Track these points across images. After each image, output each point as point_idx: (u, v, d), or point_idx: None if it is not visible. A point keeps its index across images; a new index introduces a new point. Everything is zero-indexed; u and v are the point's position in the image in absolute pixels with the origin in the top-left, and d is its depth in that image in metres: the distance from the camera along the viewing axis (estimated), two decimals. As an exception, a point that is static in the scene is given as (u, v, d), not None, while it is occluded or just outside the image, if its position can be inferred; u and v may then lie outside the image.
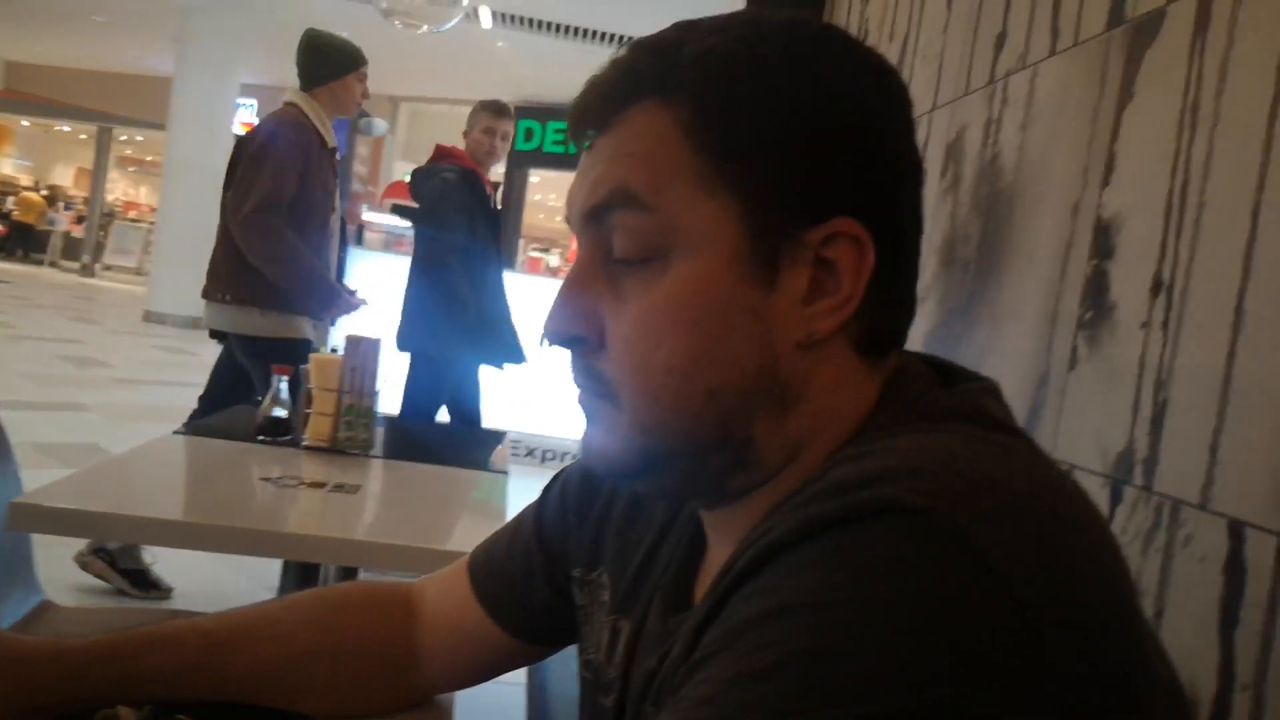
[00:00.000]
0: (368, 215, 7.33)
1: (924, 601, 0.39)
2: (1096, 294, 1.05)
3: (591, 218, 0.54)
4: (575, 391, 0.57)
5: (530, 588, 0.75)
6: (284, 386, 1.88)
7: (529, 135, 13.10)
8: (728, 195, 0.51)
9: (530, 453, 5.47)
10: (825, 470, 0.47)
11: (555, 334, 0.55)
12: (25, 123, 21.66)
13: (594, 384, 0.55)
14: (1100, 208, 1.06)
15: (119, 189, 23.77)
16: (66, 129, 21.64)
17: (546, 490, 0.78)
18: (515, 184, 13.46)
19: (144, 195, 24.38)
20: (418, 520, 1.61)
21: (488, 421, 3.75)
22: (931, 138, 1.61)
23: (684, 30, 0.54)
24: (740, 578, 0.44)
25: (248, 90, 12.76)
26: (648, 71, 0.53)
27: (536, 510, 0.77)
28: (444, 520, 1.66)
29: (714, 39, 0.52)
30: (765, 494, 0.54)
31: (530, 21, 9.76)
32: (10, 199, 20.18)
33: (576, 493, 0.74)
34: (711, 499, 0.57)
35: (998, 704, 0.38)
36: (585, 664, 0.70)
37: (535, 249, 16.87)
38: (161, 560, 3.18)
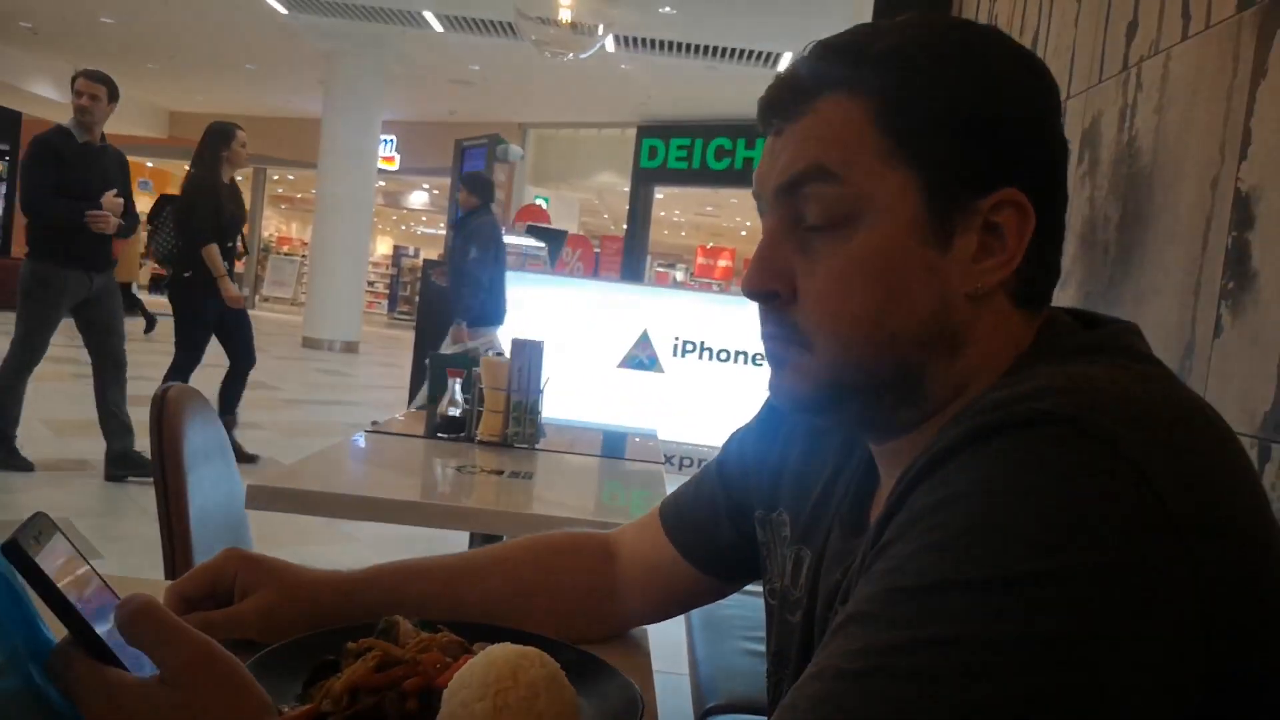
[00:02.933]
0: (506, 238, 7.67)
1: (1075, 487, 0.47)
2: (1238, 264, 1.09)
3: (786, 190, 0.64)
4: (766, 339, 0.68)
5: (716, 529, 0.87)
6: (458, 387, 2.07)
7: (653, 153, 13.33)
8: (909, 170, 0.60)
9: (668, 460, 5.60)
10: (984, 395, 0.56)
11: (753, 290, 0.65)
12: (187, 167, 23.37)
13: (786, 332, 0.65)
14: (1239, 181, 1.10)
15: (272, 225, 25.35)
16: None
17: (727, 444, 0.89)
18: (640, 201, 13.71)
19: (295, 230, 25.94)
20: (587, 499, 1.75)
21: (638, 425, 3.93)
22: (1066, 127, 1.66)
23: (867, 32, 0.64)
24: (915, 480, 0.54)
25: (388, 126, 13.46)
26: (835, 68, 0.63)
27: (719, 462, 0.89)
28: (607, 498, 1.80)
29: (895, 38, 0.63)
30: (930, 427, 0.64)
31: (651, 43, 9.98)
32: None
33: (754, 445, 0.85)
34: (883, 432, 0.67)
35: (1135, 577, 0.46)
36: (771, 592, 0.81)
37: (661, 265, 17.06)
38: (329, 553, 3.45)
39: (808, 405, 0.66)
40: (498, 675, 0.65)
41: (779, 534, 0.80)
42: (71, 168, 4.42)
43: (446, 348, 5.43)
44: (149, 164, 22.35)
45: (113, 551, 3.57)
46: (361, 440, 2.01)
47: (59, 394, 6.62)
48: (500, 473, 1.78)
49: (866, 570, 0.54)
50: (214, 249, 4.85)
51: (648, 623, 0.95)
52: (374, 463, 1.91)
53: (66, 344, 5.96)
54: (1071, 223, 1.55)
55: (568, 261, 8.17)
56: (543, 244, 7.47)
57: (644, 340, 6.17)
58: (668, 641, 2.34)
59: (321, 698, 0.69)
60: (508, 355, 2.02)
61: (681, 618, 1.59)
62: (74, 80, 4.45)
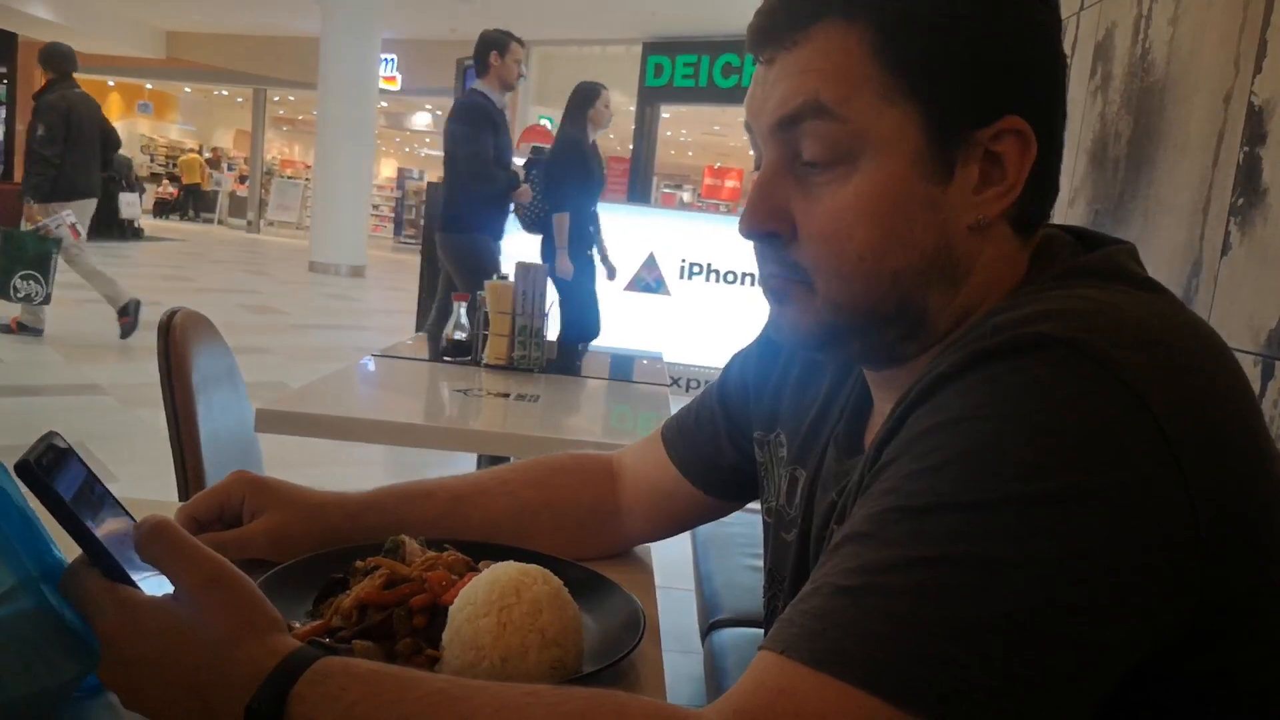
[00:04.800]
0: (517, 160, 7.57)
1: (1071, 410, 0.48)
2: (1249, 180, 1.08)
3: (782, 127, 0.62)
4: (766, 277, 0.67)
5: (717, 450, 0.88)
6: (463, 311, 2.07)
7: (659, 71, 13.06)
8: (909, 104, 0.59)
9: (674, 382, 5.63)
10: (984, 320, 0.56)
11: (751, 230, 0.64)
12: (187, 89, 23.06)
13: (787, 271, 0.64)
14: (1252, 95, 1.08)
15: (275, 148, 25.10)
16: (224, 93, 22.94)
17: (727, 367, 0.90)
18: (646, 121, 13.49)
19: (298, 153, 25.69)
20: (594, 421, 1.77)
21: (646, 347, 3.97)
22: (1080, 39, 1.62)
23: None
24: (914, 404, 0.54)
25: (388, 45, 13.19)
26: None
27: (719, 384, 0.89)
28: (615, 421, 1.82)
29: None
30: (929, 356, 0.64)
31: (658, -46, 9.67)
32: (177, 161, 21.62)
33: (755, 367, 0.86)
34: (885, 363, 0.67)
35: (1129, 499, 0.46)
36: (767, 511, 0.82)
37: (668, 185, 16.87)
38: (339, 474, 3.50)
39: (810, 342, 0.66)
40: (501, 592, 0.66)
41: (776, 454, 0.81)
42: (498, 134, 4.24)
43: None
44: (148, 85, 22.05)
45: (127, 474, 3.63)
46: (369, 364, 2.03)
47: (66, 321, 6.65)
48: (506, 395, 1.79)
49: (864, 491, 0.55)
50: (566, 219, 4.48)
51: (650, 541, 0.97)
52: (381, 386, 1.93)
53: (71, 270, 5.96)
54: (1081, 139, 1.52)
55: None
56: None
57: (650, 263, 6.14)
58: (675, 558, 2.39)
59: (331, 614, 0.71)
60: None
61: (686, 535, 1.62)
62: (510, 44, 4.18)
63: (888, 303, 0.62)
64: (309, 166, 15.24)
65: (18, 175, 16.26)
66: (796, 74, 0.61)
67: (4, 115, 15.98)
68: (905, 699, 0.45)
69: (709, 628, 1.72)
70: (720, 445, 0.88)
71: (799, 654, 0.48)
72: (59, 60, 5.90)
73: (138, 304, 6.17)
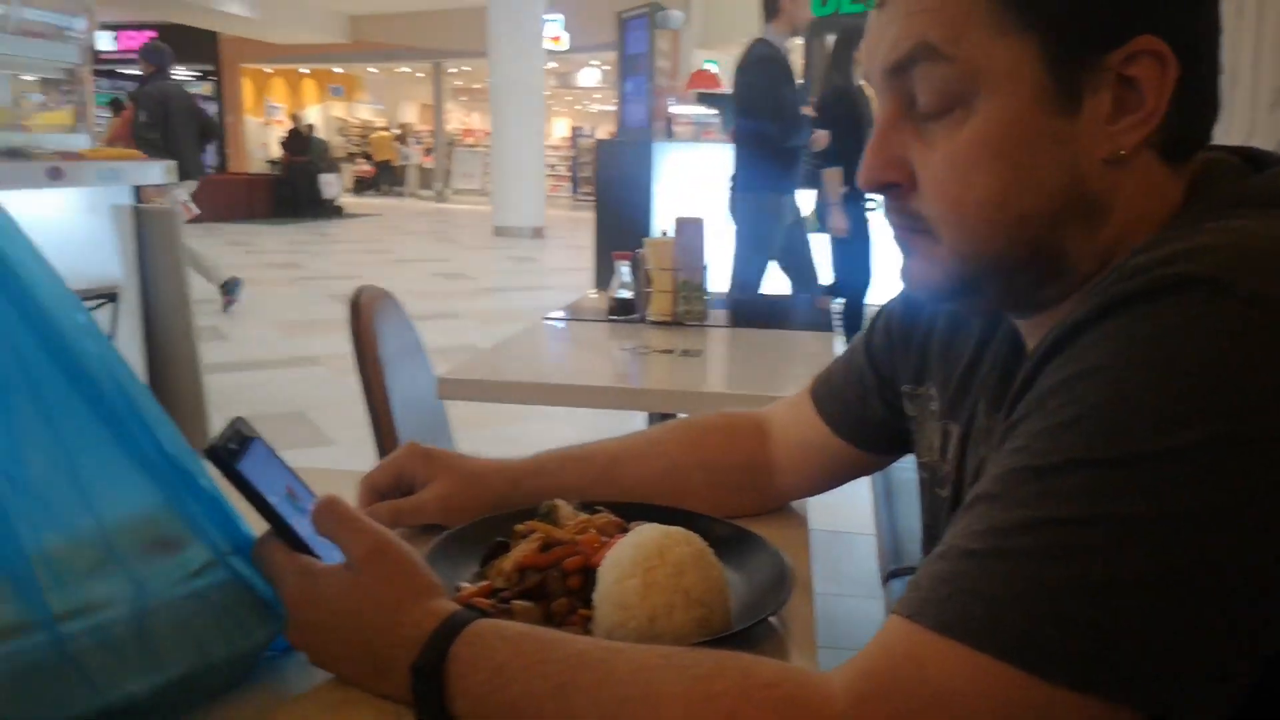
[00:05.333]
0: (674, 109, 7.54)
1: (1214, 355, 0.44)
2: None
3: (893, 73, 0.59)
4: (892, 230, 0.65)
5: (866, 405, 0.86)
6: (625, 270, 2.11)
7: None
8: (1024, 35, 0.55)
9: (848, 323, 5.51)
10: (1125, 260, 0.52)
11: (870, 182, 0.62)
12: (372, 69, 24.32)
13: (910, 221, 0.62)
14: None
15: (455, 119, 26.12)
16: (406, 70, 24.04)
17: (873, 321, 0.87)
18: (814, 52, 13.07)
19: (477, 121, 26.62)
20: (757, 373, 1.77)
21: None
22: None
23: None
24: (1046, 356, 0.51)
25: (554, 5, 13.35)
26: None
27: (865, 338, 0.88)
28: (780, 371, 1.81)
29: None
30: (1074, 300, 0.60)
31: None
32: (369, 140, 22.92)
33: (900, 320, 0.83)
34: (1028, 310, 0.64)
35: (1273, 448, 0.42)
36: (921, 466, 0.80)
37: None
38: (529, 430, 3.66)
39: (940, 294, 0.63)
40: (645, 554, 0.69)
41: (927, 408, 0.79)
42: (790, 83, 4.12)
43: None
44: (337, 69, 23.39)
45: (343, 439, 3.95)
46: (541, 328, 2.10)
47: (281, 298, 7.24)
48: (671, 351, 1.82)
49: (998, 448, 0.53)
50: (838, 174, 4.33)
51: (802, 496, 0.97)
52: (551, 349, 2.01)
53: (288, 249, 6.48)
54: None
55: (745, 125, 7.95)
56: (716, 109, 7.30)
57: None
58: (859, 503, 2.37)
59: (494, 575, 0.76)
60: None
61: (867, 480, 1.60)
62: None
63: (1017, 248, 0.58)
64: (488, 134, 15.77)
65: (230, 167, 17.77)
66: (904, 16, 0.58)
67: (216, 110, 17.40)
68: (1035, 664, 0.44)
69: (888, 575, 1.70)
70: (868, 400, 0.86)
71: (925, 619, 0.47)
72: (157, 56, 6.61)
73: (238, 282, 6.64)
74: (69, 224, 3.15)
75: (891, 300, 0.86)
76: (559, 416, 4.15)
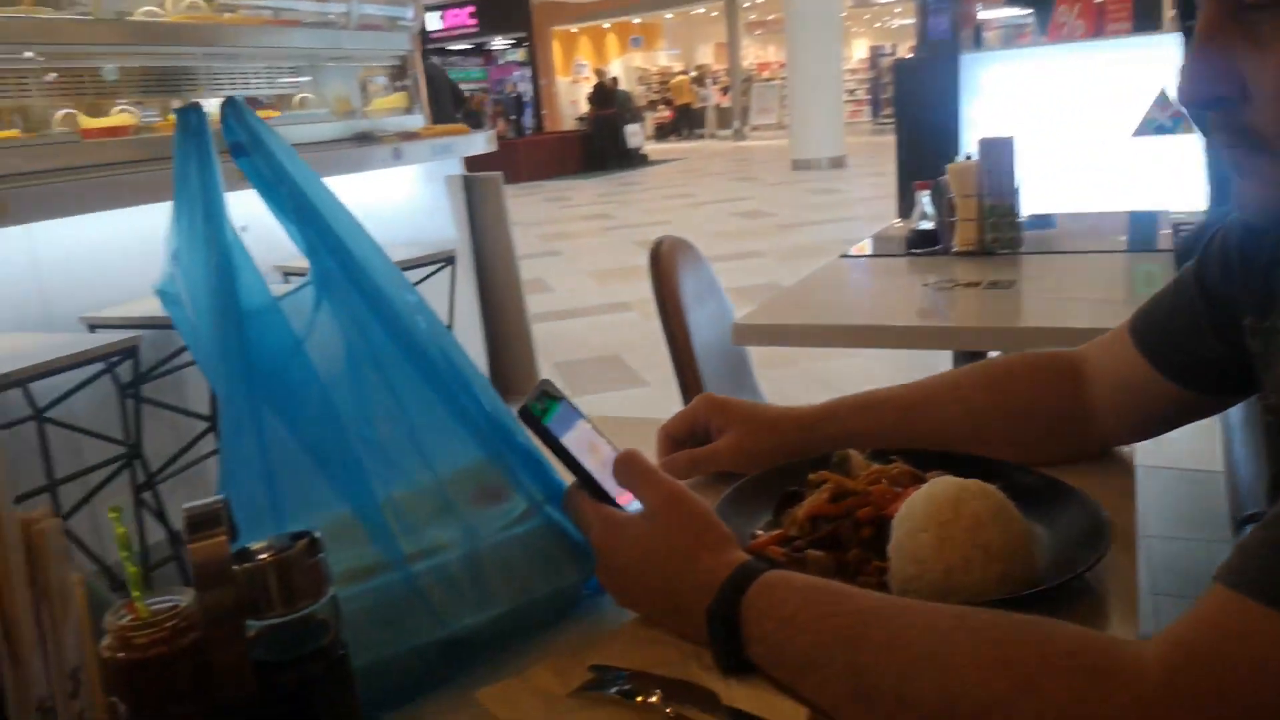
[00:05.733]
0: (982, 14, 6.97)
1: None
2: None
3: None
4: (1219, 149, 0.57)
5: (1197, 340, 0.77)
6: (926, 200, 2.01)
7: None
8: None
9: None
10: None
11: (1193, 96, 0.54)
12: (668, 15, 24.72)
13: (1243, 138, 0.54)
14: None
15: (751, 54, 25.96)
16: (700, 10, 24.19)
17: (1206, 246, 0.77)
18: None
19: (772, 54, 26.30)
20: (1075, 305, 1.63)
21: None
22: None
23: None
24: None
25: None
26: None
27: (1196, 267, 0.78)
28: (1102, 301, 1.65)
29: None
30: None
31: None
32: (669, 85, 23.42)
33: (1239, 245, 0.73)
34: None
35: None
36: (1266, 408, 0.71)
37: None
38: (834, 368, 3.61)
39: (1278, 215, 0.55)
40: (938, 508, 0.67)
41: (1275, 344, 0.69)
42: None
43: None
44: (635, 20, 24.01)
45: (655, 379, 4.15)
46: (839, 266, 2.07)
47: (595, 248, 7.67)
48: (978, 284, 1.71)
49: None
50: None
51: (1124, 444, 0.89)
52: (848, 288, 1.96)
53: (598, 201, 6.85)
54: None
55: (1064, 22, 7.20)
56: (1029, 9, 6.67)
57: (1162, 100, 5.30)
58: (1209, 438, 2.12)
59: (788, 524, 0.78)
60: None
61: (1217, 416, 1.42)
62: None
63: None
64: (783, 65, 15.52)
65: (546, 128, 18.94)
66: None
67: (529, 75, 18.57)
68: None
69: (1240, 521, 1.52)
70: (1201, 335, 0.77)
71: (1252, 590, 0.43)
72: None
73: None
74: (412, 196, 3.54)
75: (1227, 222, 0.76)
76: (866, 353, 4.08)
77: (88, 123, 2.63)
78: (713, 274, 2.06)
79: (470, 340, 3.75)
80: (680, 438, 0.93)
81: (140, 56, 2.88)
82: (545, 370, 4.21)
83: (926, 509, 0.67)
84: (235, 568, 0.46)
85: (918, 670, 0.52)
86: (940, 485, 0.69)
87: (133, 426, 2.15)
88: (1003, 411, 0.88)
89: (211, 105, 0.85)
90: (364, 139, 3.21)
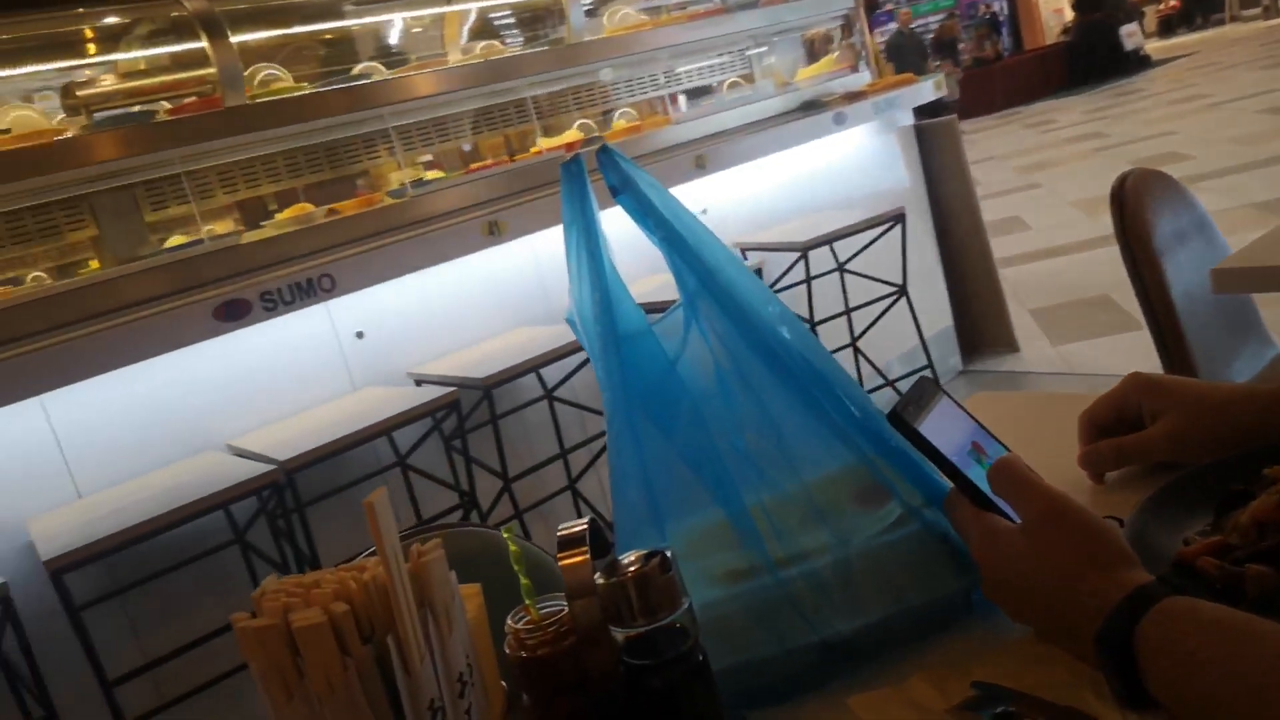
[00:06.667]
0: None
1: None
2: None
3: None
4: None
5: None
6: None
7: None
8: None
9: None
10: None
11: None
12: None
13: None
14: None
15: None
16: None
17: None
18: None
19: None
20: None
21: None
22: None
23: None
24: None
25: None
26: None
27: None
28: None
29: None
30: None
31: None
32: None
33: None
34: None
35: None
36: None
37: None
38: None
39: None
40: None
41: None
42: None
43: None
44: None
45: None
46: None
47: (1081, 174, 6.92)
48: None
49: None
50: None
51: None
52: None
53: (1086, 119, 6.14)
54: None
55: None
56: None
57: None
58: None
59: (1230, 530, 0.66)
60: None
61: None
62: None
63: None
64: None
65: (1026, 44, 17.48)
66: None
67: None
68: None
69: None
70: None
71: None
72: None
73: None
74: (860, 157, 3.52)
75: None
76: None
77: (546, 142, 3.03)
78: (1201, 209, 1.77)
79: (930, 296, 3.64)
80: (1105, 423, 0.83)
81: (586, 75, 3.24)
82: (1020, 318, 3.93)
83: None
84: (600, 582, 0.53)
85: None
86: None
87: (463, 473, 2.25)
88: None
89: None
90: (809, 107, 3.25)
